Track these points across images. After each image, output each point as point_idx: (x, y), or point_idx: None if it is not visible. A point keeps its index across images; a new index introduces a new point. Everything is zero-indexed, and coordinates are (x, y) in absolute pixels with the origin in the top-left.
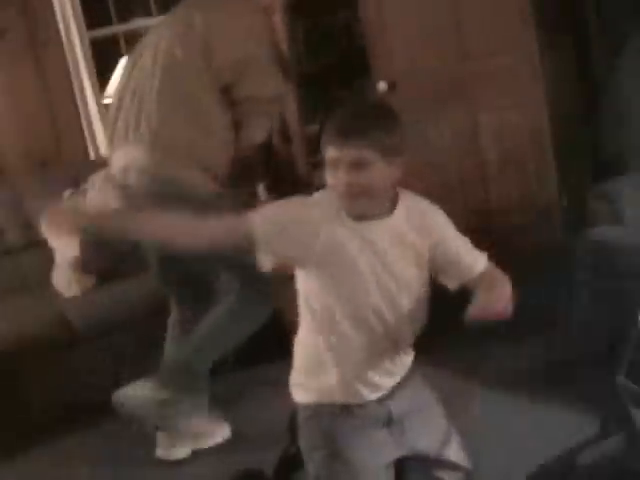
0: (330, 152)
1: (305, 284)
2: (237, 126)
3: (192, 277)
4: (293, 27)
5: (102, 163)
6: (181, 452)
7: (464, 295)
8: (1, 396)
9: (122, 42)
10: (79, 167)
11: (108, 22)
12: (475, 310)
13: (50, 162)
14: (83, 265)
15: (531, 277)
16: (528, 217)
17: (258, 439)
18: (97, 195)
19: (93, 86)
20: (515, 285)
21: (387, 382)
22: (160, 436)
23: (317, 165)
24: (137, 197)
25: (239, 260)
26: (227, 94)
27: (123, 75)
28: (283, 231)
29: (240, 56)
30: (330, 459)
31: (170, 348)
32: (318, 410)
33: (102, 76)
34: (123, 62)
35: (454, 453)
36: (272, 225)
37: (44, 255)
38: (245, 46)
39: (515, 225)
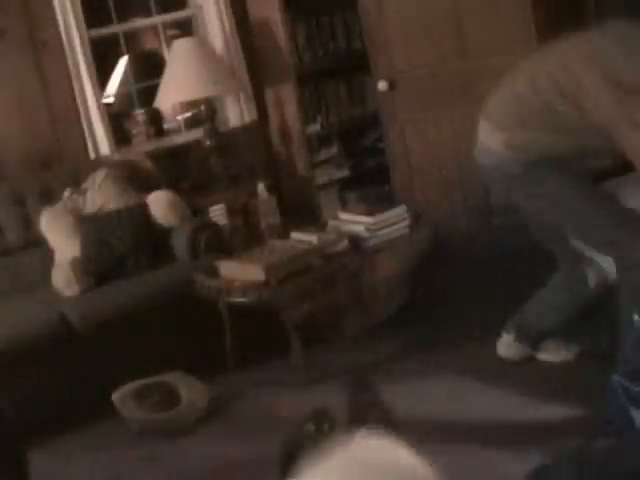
0: None
1: None
2: None
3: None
4: (293, 27)
5: (102, 163)
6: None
7: (463, 295)
8: (1, 395)
9: (122, 42)
10: (79, 167)
11: (108, 22)
12: None
13: (50, 162)
14: (83, 265)
15: (531, 277)
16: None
17: (258, 438)
18: (97, 194)
19: (93, 86)
20: (515, 284)
21: None
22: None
23: (317, 165)
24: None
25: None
26: None
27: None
28: None
29: None
30: None
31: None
32: None
33: (102, 76)
34: (123, 61)
35: None
36: None
37: (44, 255)
38: None
39: (515, 225)
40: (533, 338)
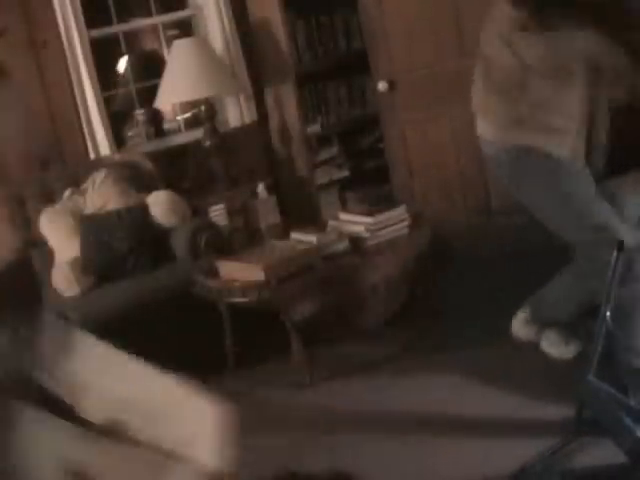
0: None
1: None
2: None
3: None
4: (293, 27)
5: (102, 163)
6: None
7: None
8: None
9: (122, 42)
10: (79, 167)
11: (108, 22)
12: None
13: (50, 162)
14: (83, 265)
15: (531, 277)
16: (528, 217)
17: (257, 438)
18: (97, 194)
19: (93, 86)
20: (515, 285)
21: None
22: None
23: (317, 165)
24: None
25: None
26: None
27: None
28: None
29: None
30: None
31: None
32: None
33: (102, 76)
34: (123, 61)
35: None
36: None
37: (44, 255)
38: None
39: (515, 225)
40: (544, 322)
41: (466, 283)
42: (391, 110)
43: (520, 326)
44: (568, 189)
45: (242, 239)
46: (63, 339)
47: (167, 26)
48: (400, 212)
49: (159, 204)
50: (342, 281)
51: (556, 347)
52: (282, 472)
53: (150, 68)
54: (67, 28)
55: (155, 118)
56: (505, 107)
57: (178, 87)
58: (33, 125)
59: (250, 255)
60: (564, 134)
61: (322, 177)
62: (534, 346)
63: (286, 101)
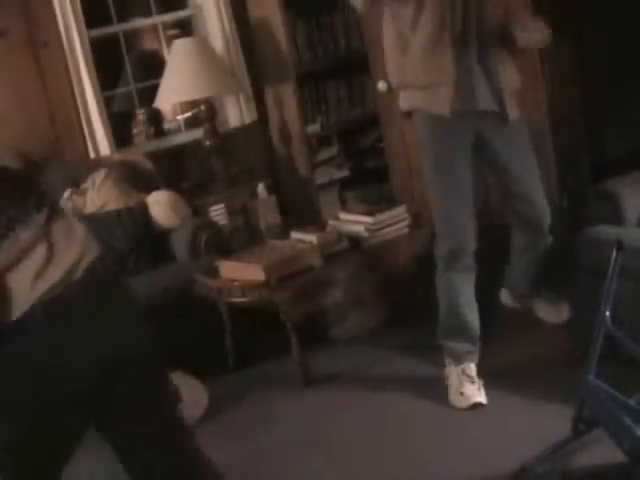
0: None
1: None
2: None
3: None
4: (293, 27)
5: (102, 163)
6: None
7: None
8: None
9: (122, 42)
10: (79, 167)
11: (108, 22)
12: None
13: (50, 162)
14: None
15: None
16: None
17: (257, 438)
18: (97, 194)
19: (93, 86)
20: None
21: None
22: None
23: (317, 165)
24: None
25: None
26: None
27: None
28: None
29: None
30: None
31: None
32: None
33: (102, 76)
34: (123, 61)
35: None
36: None
37: None
38: None
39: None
40: (523, 295)
41: None
42: (391, 110)
43: (506, 299)
44: None
45: (242, 239)
46: None
47: (167, 26)
48: (400, 212)
49: (159, 204)
50: (342, 281)
51: (549, 313)
52: None
53: (150, 68)
54: (67, 28)
55: (155, 118)
56: None
57: (178, 87)
58: (33, 125)
59: (250, 255)
60: None
61: (322, 177)
62: (533, 344)
63: (286, 101)
